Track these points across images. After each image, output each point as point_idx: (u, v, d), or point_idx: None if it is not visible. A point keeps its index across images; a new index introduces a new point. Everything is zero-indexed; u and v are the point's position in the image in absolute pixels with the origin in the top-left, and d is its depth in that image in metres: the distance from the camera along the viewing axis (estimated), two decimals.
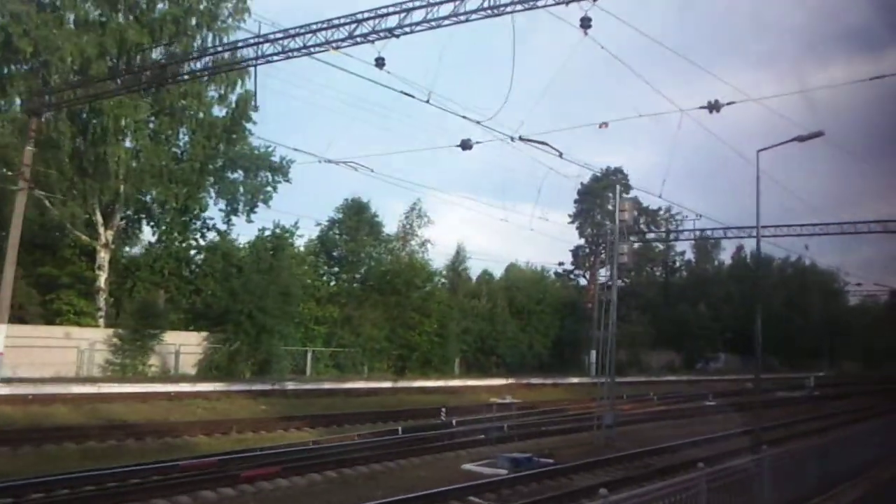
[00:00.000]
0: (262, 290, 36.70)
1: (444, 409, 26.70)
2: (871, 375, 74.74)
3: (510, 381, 44.81)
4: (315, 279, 43.07)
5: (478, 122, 15.54)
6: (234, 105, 39.25)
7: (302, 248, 44.84)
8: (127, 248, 39.43)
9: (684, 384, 56.36)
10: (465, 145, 17.50)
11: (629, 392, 43.81)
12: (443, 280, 53.85)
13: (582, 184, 57.22)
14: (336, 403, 29.46)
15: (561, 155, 17.00)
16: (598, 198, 59.33)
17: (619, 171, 60.78)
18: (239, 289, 36.73)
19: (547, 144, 16.89)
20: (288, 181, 40.80)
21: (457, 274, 53.89)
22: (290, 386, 33.08)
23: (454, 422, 24.79)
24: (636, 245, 63.21)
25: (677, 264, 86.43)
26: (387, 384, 37.54)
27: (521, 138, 16.83)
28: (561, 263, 47.37)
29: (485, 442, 21.12)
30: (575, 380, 50.88)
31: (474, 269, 58.12)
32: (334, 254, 46.67)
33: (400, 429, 22.45)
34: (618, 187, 22.45)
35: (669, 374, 65.29)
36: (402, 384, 38.19)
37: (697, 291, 77.72)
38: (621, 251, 23.55)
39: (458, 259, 53.96)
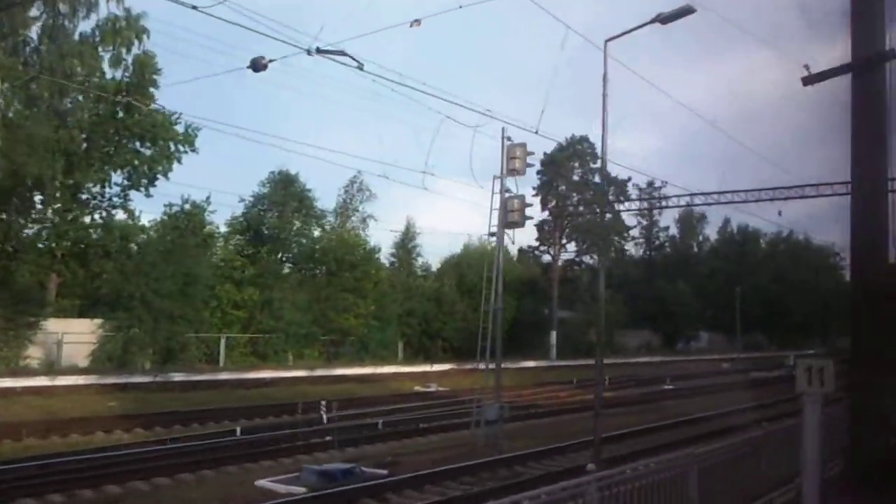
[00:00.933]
0: (158, 272, 32.93)
1: (323, 403, 22.83)
2: None
3: (452, 366, 40.98)
4: (233, 258, 39.08)
5: (193, 7, 11.42)
6: (130, 67, 35.35)
7: (223, 227, 40.92)
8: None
9: (655, 366, 52.56)
10: (257, 65, 13.52)
11: (584, 376, 40.04)
12: (392, 259, 49.99)
13: (545, 153, 53.05)
14: (212, 397, 25.53)
15: (361, 67, 12.95)
16: (561, 167, 55.11)
17: (584, 139, 56.52)
18: (132, 270, 32.96)
19: (345, 54, 12.83)
20: (194, 151, 36.74)
21: (407, 252, 49.92)
22: (178, 377, 29.33)
23: (325, 418, 20.96)
24: (606, 216, 59.01)
25: (661, 240, 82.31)
26: (300, 373, 33.74)
27: (318, 50, 12.80)
28: (492, 234, 42.72)
29: (330, 445, 17.28)
30: (531, 363, 46.90)
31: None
32: (264, 232, 42.67)
33: (238, 429, 18.55)
34: (503, 128, 18.42)
35: (646, 354, 61.32)
36: (319, 372, 34.33)
37: (680, 268, 73.58)
38: (513, 207, 19.55)
39: (408, 236, 49.97)
